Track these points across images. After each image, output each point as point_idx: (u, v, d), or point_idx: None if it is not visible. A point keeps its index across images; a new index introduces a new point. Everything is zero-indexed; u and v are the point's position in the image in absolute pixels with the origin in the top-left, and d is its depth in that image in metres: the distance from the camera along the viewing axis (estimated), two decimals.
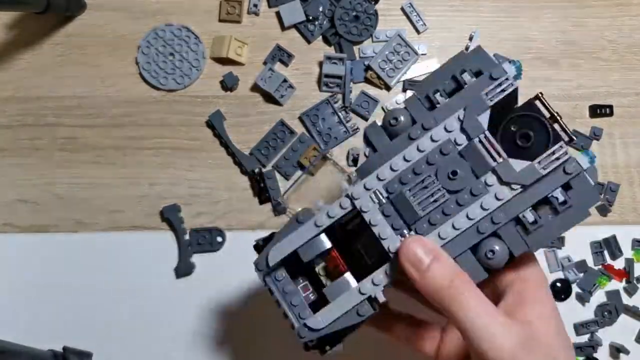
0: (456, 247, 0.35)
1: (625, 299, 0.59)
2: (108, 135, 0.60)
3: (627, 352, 0.57)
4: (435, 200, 0.35)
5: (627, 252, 0.59)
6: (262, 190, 0.59)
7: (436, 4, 0.62)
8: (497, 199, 0.35)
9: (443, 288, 0.33)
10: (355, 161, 0.60)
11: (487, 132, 0.36)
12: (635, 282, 0.59)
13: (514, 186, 0.35)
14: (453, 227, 0.35)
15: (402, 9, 0.62)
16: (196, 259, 0.59)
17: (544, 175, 0.35)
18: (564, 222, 0.35)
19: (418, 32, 0.61)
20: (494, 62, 0.37)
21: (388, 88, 0.61)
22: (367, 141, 0.38)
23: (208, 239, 0.59)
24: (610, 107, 0.61)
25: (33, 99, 0.61)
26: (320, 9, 0.60)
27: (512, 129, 0.36)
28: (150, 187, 0.60)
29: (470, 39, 0.61)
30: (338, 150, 0.60)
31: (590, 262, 0.59)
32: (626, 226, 0.60)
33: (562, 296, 0.59)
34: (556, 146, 0.35)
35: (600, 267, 0.59)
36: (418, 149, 0.36)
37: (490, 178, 0.35)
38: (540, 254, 0.59)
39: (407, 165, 0.36)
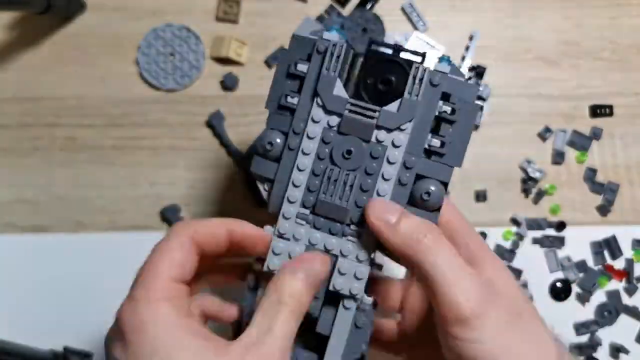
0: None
1: (625, 299, 0.59)
2: (108, 135, 0.60)
3: (627, 352, 0.57)
4: (350, 186, 0.36)
5: (627, 252, 0.59)
6: (256, 195, 0.59)
7: (436, 4, 0.62)
8: (396, 146, 0.36)
9: (415, 242, 0.33)
10: None
11: (350, 100, 0.36)
12: (635, 282, 0.59)
13: (402, 127, 0.36)
14: (379, 195, 0.36)
15: (402, 9, 0.62)
16: None
17: (419, 100, 0.35)
18: (465, 124, 0.36)
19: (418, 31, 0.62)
20: (313, 39, 0.37)
21: None
22: (259, 177, 0.38)
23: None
24: (610, 107, 0.61)
25: (33, 99, 0.61)
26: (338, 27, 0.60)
27: (370, 82, 0.36)
28: (150, 187, 0.60)
29: (471, 39, 0.61)
30: None
31: (590, 262, 0.59)
32: (626, 226, 0.60)
33: (562, 296, 0.59)
34: (413, 68, 0.35)
35: (600, 267, 0.59)
36: (304, 153, 0.36)
37: (380, 134, 0.36)
38: (540, 254, 0.59)
39: (306, 174, 0.36)
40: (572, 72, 0.61)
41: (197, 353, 0.28)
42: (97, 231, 0.59)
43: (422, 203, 0.35)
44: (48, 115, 0.61)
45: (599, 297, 0.59)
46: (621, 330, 0.58)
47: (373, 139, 0.36)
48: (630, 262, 0.59)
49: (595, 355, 0.58)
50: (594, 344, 0.58)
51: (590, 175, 0.60)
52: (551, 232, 0.59)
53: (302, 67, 0.37)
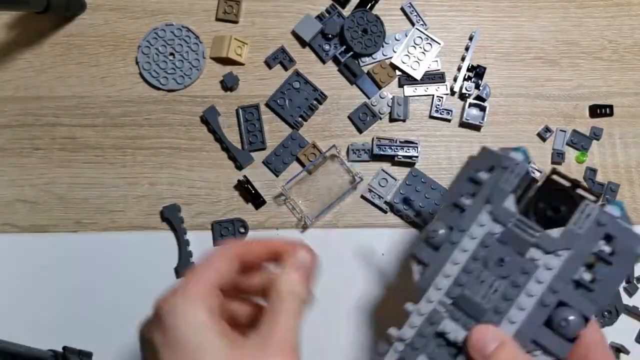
0: (530, 326, 0.37)
1: (626, 299, 0.59)
2: (108, 135, 0.60)
3: (627, 352, 0.57)
4: (495, 290, 0.38)
5: None
6: (254, 196, 0.59)
7: (436, 3, 0.62)
8: (548, 269, 0.37)
9: None
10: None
11: (517, 215, 0.39)
12: (635, 282, 0.59)
13: (559, 252, 0.37)
14: (519, 308, 0.37)
15: (402, 9, 0.62)
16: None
17: (582, 233, 0.37)
18: (619, 269, 0.37)
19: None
20: (501, 154, 0.40)
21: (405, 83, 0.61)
22: (417, 260, 0.40)
23: (231, 231, 0.59)
24: (610, 107, 0.61)
25: (33, 99, 0.61)
26: (338, 28, 0.60)
27: (541, 206, 0.40)
28: (150, 187, 0.60)
29: (471, 39, 0.61)
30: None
31: None
32: None
33: None
34: (584, 203, 0.38)
35: None
36: (463, 250, 0.39)
37: (536, 253, 0.38)
38: None
39: (458, 268, 0.39)
40: (572, 72, 0.62)
41: (217, 347, 0.32)
42: (97, 231, 0.59)
43: (557, 328, 0.37)
44: (48, 115, 0.61)
45: None
46: (621, 330, 0.58)
47: (528, 256, 0.38)
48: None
49: None
50: None
51: (590, 175, 0.60)
52: None
53: (483, 176, 0.40)
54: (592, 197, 0.39)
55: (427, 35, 0.61)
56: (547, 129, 0.60)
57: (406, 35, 0.61)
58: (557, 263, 0.37)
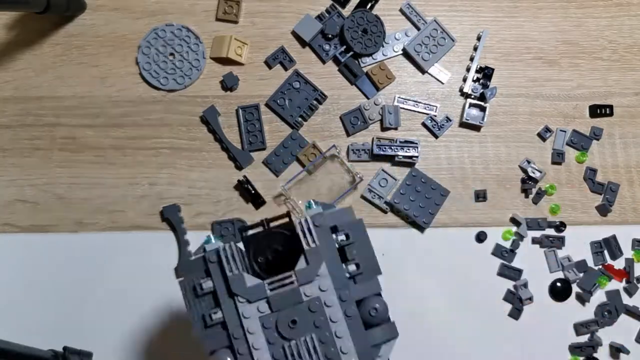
0: (359, 340, 0.39)
1: (626, 299, 0.59)
2: (108, 135, 0.60)
3: (627, 352, 0.57)
4: (313, 347, 0.38)
5: (627, 252, 0.59)
6: (254, 197, 0.59)
7: (436, 3, 0.62)
8: (324, 290, 0.39)
9: None
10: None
11: (261, 282, 0.39)
12: (635, 282, 0.59)
13: (318, 273, 0.39)
14: (339, 337, 0.39)
15: (401, 10, 0.62)
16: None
17: (316, 245, 0.39)
18: (363, 239, 0.40)
19: (419, 30, 0.62)
20: (200, 256, 0.41)
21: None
22: None
23: (231, 230, 0.59)
24: (610, 107, 0.61)
25: (33, 99, 0.61)
26: (338, 28, 0.60)
27: (261, 261, 0.41)
28: (150, 187, 0.60)
29: (479, 39, 0.61)
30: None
31: (590, 262, 0.59)
32: (626, 226, 0.60)
33: (562, 296, 0.59)
34: (296, 223, 0.40)
35: (600, 267, 0.59)
36: (256, 349, 0.39)
37: (307, 290, 0.39)
38: (540, 254, 0.59)
39: None
40: (572, 72, 0.61)
41: None
42: (97, 231, 0.59)
43: (374, 320, 0.39)
44: (48, 115, 0.61)
45: (599, 297, 0.59)
46: (621, 330, 0.59)
47: (304, 297, 0.39)
48: (630, 262, 0.59)
49: (595, 355, 0.58)
50: (594, 344, 0.58)
51: (590, 175, 0.60)
52: (551, 232, 0.59)
53: (207, 284, 0.40)
54: (285, 220, 0.41)
55: (442, 30, 0.61)
56: (547, 129, 0.60)
57: (406, 36, 0.61)
58: (326, 281, 0.39)
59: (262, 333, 0.39)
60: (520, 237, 0.59)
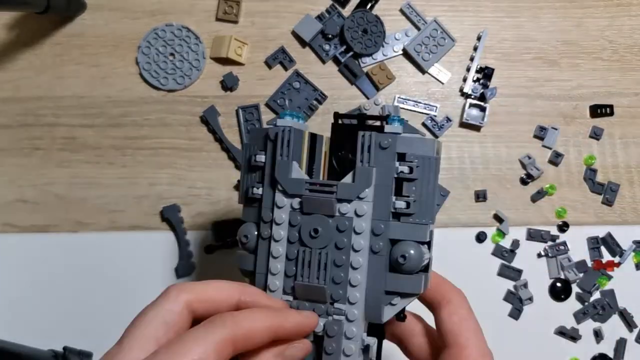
0: (375, 280, 0.35)
1: (621, 302, 0.59)
2: (108, 135, 0.60)
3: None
4: (325, 263, 0.35)
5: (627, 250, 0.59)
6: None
7: (436, 3, 0.62)
8: (359, 215, 0.35)
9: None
10: None
11: (306, 178, 0.37)
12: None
13: (361, 196, 0.35)
14: (354, 268, 0.35)
15: (401, 10, 0.62)
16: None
17: (372, 166, 0.35)
18: (428, 179, 0.35)
19: (419, 30, 0.62)
20: (266, 127, 0.38)
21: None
22: (244, 272, 0.38)
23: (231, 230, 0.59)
24: (611, 107, 0.61)
25: (33, 99, 0.61)
26: (338, 28, 0.60)
27: (341, 154, 0.38)
28: (150, 187, 0.60)
29: (479, 39, 0.61)
30: None
31: (588, 260, 0.59)
32: (626, 226, 0.60)
33: (562, 296, 0.59)
34: (359, 136, 0.35)
35: (592, 263, 0.59)
36: (275, 240, 0.36)
37: (342, 207, 0.36)
38: (540, 254, 0.59)
39: (281, 261, 0.36)
40: (572, 72, 0.61)
41: None
42: (97, 231, 0.59)
43: (400, 267, 0.35)
44: (48, 115, 0.61)
45: (598, 297, 0.59)
46: (621, 329, 0.59)
47: (337, 213, 0.35)
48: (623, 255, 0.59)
49: (601, 351, 0.58)
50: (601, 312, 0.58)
51: (590, 175, 0.60)
52: (554, 230, 0.59)
53: (261, 158, 0.38)
54: (381, 122, 0.37)
55: (442, 30, 0.61)
56: (542, 128, 0.60)
57: (407, 36, 0.61)
58: (366, 206, 0.35)
59: (287, 228, 0.36)
60: (503, 234, 0.59)
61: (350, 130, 0.37)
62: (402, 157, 0.36)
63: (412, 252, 0.34)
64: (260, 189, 0.37)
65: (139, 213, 0.60)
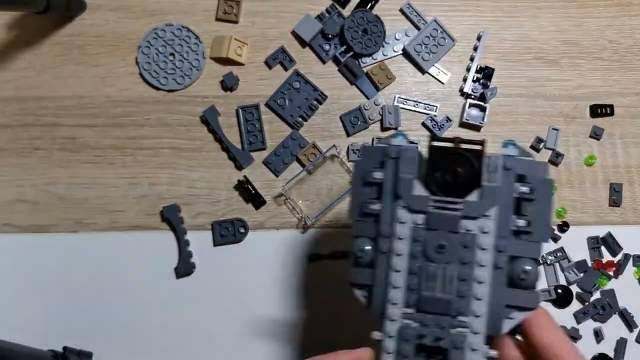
0: (497, 294, 0.37)
1: (621, 302, 0.59)
2: (108, 135, 0.60)
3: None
4: (450, 278, 0.37)
5: (627, 250, 0.59)
6: (254, 197, 0.59)
7: (436, 3, 0.62)
8: (485, 232, 0.37)
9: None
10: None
11: (432, 197, 0.38)
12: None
13: (487, 213, 0.37)
14: (478, 282, 0.37)
15: (401, 10, 0.62)
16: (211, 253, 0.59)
17: (498, 186, 0.37)
18: (543, 200, 0.38)
19: (419, 30, 0.62)
20: (387, 146, 0.39)
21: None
22: (358, 285, 0.39)
23: (231, 231, 0.59)
24: (611, 106, 0.61)
25: (33, 99, 0.61)
26: (338, 28, 0.60)
27: (437, 176, 0.38)
28: (150, 187, 0.60)
29: (479, 39, 0.61)
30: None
31: (588, 260, 0.59)
32: (626, 226, 0.60)
33: (562, 304, 0.58)
34: (486, 157, 0.38)
35: (592, 262, 0.59)
36: (398, 255, 0.37)
37: (467, 224, 0.37)
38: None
39: (403, 274, 0.37)
40: (572, 72, 0.61)
41: None
42: (97, 231, 0.59)
43: (521, 283, 0.37)
44: (48, 115, 0.61)
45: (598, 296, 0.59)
46: (621, 329, 0.59)
47: (461, 230, 0.37)
48: (627, 258, 0.59)
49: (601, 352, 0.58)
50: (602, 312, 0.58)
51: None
52: (556, 231, 0.59)
53: (378, 175, 0.39)
54: (478, 147, 0.38)
55: (443, 30, 0.61)
56: (539, 140, 0.60)
57: (406, 36, 0.61)
58: (491, 223, 0.37)
59: (409, 243, 0.37)
60: None
61: (447, 153, 0.39)
62: (521, 179, 0.38)
63: (530, 268, 0.37)
64: (378, 204, 0.38)
65: (139, 213, 0.60)
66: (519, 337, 0.39)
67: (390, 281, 0.37)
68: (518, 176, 0.38)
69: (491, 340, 0.38)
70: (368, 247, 0.38)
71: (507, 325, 0.37)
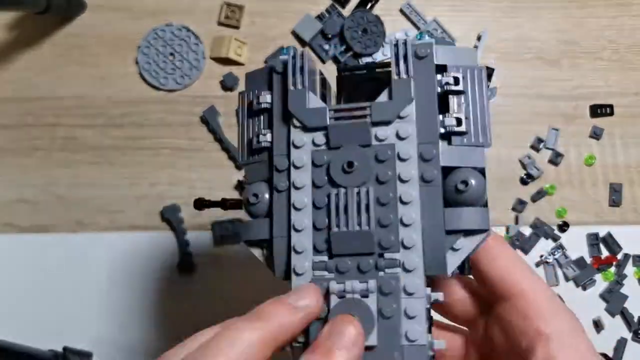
0: (431, 218, 0.28)
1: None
2: (108, 135, 0.61)
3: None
4: (366, 204, 0.28)
5: (627, 250, 0.59)
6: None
7: (436, 3, 0.62)
8: (403, 138, 0.29)
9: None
10: None
11: (331, 107, 0.30)
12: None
13: (402, 114, 0.29)
14: (404, 203, 0.28)
15: (401, 10, 0.62)
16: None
17: (411, 77, 0.29)
18: (478, 91, 0.30)
19: (419, 30, 0.62)
20: (269, 63, 0.33)
21: None
22: (253, 243, 0.31)
23: (231, 231, 0.59)
24: (611, 106, 0.60)
25: (33, 99, 0.61)
26: (338, 28, 0.60)
27: (348, 83, 0.32)
28: (150, 187, 0.60)
29: (479, 38, 0.61)
30: None
31: (587, 258, 0.59)
32: (626, 226, 0.60)
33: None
34: (393, 46, 0.30)
35: (591, 259, 0.59)
36: (297, 188, 0.29)
37: (379, 132, 0.29)
38: (540, 252, 0.59)
39: (307, 212, 0.29)
40: (572, 72, 0.61)
41: None
42: (97, 231, 0.59)
43: (460, 198, 0.28)
44: (48, 115, 0.61)
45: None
46: (622, 329, 0.59)
47: (373, 141, 0.29)
48: (627, 257, 0.59)
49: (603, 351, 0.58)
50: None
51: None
52: (556, 231, 0.59)
53: (266, 98, 0.31)
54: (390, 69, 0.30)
55: (442, 29, 0.61)
56: (539, 140, 0.60)
57: (407, 35, 0.61)
58: (410, 127, 0.28)
59: (310, 170, 0.29)
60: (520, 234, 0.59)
61: (358, 81, 0.33)
62: (442, 70, 0.30)
63: (473, 180, 0.28)
64: (269, 135, 0.31)
65: (139, 213, 0.60)
66: (471, 277, 0.32)
67: (292, 223, 0.29)
68: (438, 67, 0.29)
69: (435, 284, 0.31)
70: (264, 192, 0.30)
71: (453, 260, 0.28)
